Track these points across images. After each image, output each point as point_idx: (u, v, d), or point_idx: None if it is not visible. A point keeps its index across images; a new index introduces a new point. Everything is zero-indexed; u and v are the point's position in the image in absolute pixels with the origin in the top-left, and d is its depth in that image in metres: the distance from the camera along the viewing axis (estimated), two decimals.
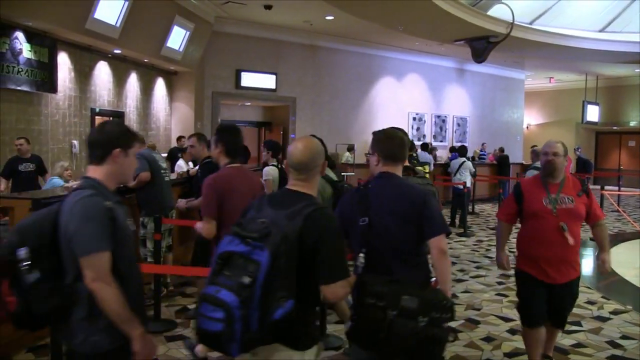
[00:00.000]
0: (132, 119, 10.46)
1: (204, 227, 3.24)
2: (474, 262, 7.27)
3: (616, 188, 13.88)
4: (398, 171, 2.59)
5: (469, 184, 10.05)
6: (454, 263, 7.01)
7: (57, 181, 6.04)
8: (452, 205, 10.38)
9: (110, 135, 2.06)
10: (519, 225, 3.54)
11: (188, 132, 11.31)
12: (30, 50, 7.37)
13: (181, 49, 10.46)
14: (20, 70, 7.23)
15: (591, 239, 7.01)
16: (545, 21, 12.35)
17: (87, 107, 9.08)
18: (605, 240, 3.50)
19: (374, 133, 2.71)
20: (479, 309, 5.18)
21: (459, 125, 17.36)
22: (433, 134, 16.69)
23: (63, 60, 8.34)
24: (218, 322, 1.79)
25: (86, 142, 2.13)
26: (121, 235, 1.97)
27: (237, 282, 1.81)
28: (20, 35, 7.18)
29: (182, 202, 5.10)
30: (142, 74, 10.73)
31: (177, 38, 10.19)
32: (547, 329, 3.50)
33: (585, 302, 5.32)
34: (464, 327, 4.71)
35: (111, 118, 10.09)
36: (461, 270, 6.71)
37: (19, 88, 7.27)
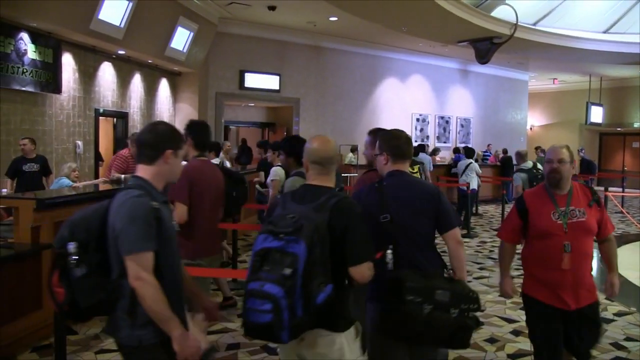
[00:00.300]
0: (136, 120, 10.49)
1: (176, 210, 3.39)
2: (478, 263, 7.26)
3: (620, 189, 13.84)
4: (406, 168, 2.75)
5: (474, 186, 10.03)
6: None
7: (66, 181, 6.03)
8: (458, 206, 10.38)
9: (163, 136, 2.11)
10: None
11: None
12: (34, 51, 7.40)
13: (185, 50, 10.48)
14: (25, 70, 7.25)
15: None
16: (549, 22, 12.33)
17: (91, 108, 9.11)
18: (614, 258, 3.05)
19: (381, 135, 2.84)
20: (482, 310, 5.17)
21: (462, 126, 17.34)
22: (437, 135, 16.68)
23: (67, 61, 8.36)
24: (267, 314, 1.96)
25: (136, 142, 2.18)
26: (166, 235, 2.03)
27: (279, 275, 1.97)
28: (25, 36, 7.21)
29: None
30: (146, 74, 10.76)
31: (181, 39, 10.22)
32: None
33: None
34: None
35: (115, 119, 10.13)
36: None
37: (23, 89, 7.30)
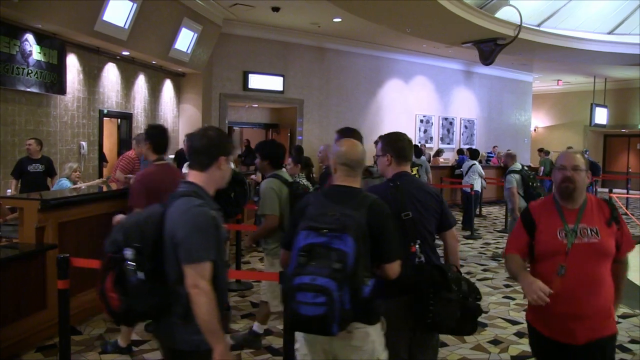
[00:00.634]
0: (140, 121, 10.51)
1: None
2: (481, 264, 7.25)
3: (624, 191, 13.80)
4: (408, 169, 2.90)
5: (477, 187, 10.02)
6: (460, 265, 6.98)
7: (65, 183, 6.05)
8: (462, 207, 10.37)
9: (216, 142, 2.12)
10: None
11: None
12: (39, 52, 7.43)
13: (189, 51, 10.51)
14: (30, 72, 7.29)
15: None
16: (554, 23, 12.30)
17: (96, 109, 9.14)
18: (622, 284, 2.60)
19: (383, 137, 2.98)
20: (486, 312, 5.16)
21: (466, 127, 17.32)
22: (440, 136, 16.66)
23: (72, 62, 8.40)
24: (321, 306, 2.05)
25: (188, 149, 2.17)
26: (220, 244, 2.06)
27: (330, 269, 2.07)
28: (30, 37, 7.25)
29: None
30: (150, 75, 10.79)
31: (185, 40, 10.24)
32: None
33: None
34: None
35: (119, 120, 10.16)
36: (468, 273, 6.68)
37: (28, 89, 7.33)
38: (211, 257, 1.96)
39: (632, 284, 6.15)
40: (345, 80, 14.28)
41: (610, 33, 13.29)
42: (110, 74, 9.50)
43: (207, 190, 2.10)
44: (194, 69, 11.21)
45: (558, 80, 19.58)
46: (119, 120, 10.21)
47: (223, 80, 12.32)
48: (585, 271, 2.39)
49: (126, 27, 8.38)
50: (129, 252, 1.93)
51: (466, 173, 10.17)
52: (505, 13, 10.97)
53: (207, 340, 1.96)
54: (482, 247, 8.50)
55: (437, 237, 2.90)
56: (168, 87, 11.54)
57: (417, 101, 15.91)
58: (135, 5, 8.28)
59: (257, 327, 4.24)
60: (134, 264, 1.93)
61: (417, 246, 2.67)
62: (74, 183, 6.08)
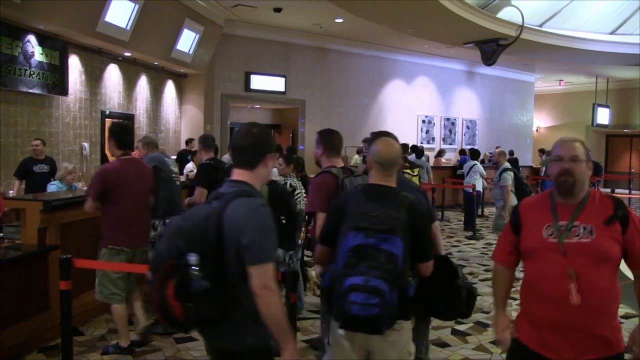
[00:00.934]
0: (142, 122, 10.53)
1: (86, 204, 3.92)
2: (483, 265, 7.24)
3: (627, 191, 13.77)
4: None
5: (479, 188, 10.01)
6: (463, 266, 6.98)
7: (56, 187, 5.66)
8: (464, 208, 10.36)
9: (262, 140, 2.11)
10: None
11: (198, 135, 11.38)
12: (42, 53, 7.45)
13: (191, 52, 10.52)
14: (32, 73, 7.30)
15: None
16: (556, 23, 12.28)
17: (98, 110, 9.15)
18: None
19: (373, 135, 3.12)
20: (487, 312, 5.15)
21: (468, 128, 17.31)
22: (442, 136, 16.65)
23: (74, 63, 8.41)
24: (375, 307, 2.11)
25: (234, 147, 2.13)
26: None
27: (382, 270, 2.13)
28: (32, 38, 7.26)
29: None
30: (152, 76, 10.80)
31: (187, 41, 10.25)
32: None
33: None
34: (473, 330, 4.70)
35: (121, 120, 10.17)
36: (470, 273, 6.68)
37: (30, 90, 7.34)
38: (274, 257, 1.96)
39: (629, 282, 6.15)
40: (347, 80, 14.28)
41: (612, 33, 13.26)
42: (112, 74, 9.51)
43: (257, 188, 2.09)
44: (195, 69, 11.22)
45: (560, 80, 19.56)
46: (121, 121, 10.21)
47: (225, 81, 12.33)
48: (584, 276, 2.06)
49: (128, 28, 8.39)
50: (193, 258, 1.85)
51: (467, 173, 10.15)
52: (507, 13, 10.96)
53: (260, 341, 1.98)
54: (484, 247, 8.49)
55: None
56: (170, 88, 11.55)
57: (419, 102, 15.91)
58: (137, 6, 8.30)
59: None
60: (199, 269, 1.84)
61: None
62: (69, 185, 5.77)
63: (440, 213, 11.35)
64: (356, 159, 13.41)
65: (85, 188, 6.19)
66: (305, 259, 5.49)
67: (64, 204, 4.43)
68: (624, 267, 2.37)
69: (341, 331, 2.35)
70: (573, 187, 2.13)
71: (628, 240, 2.10)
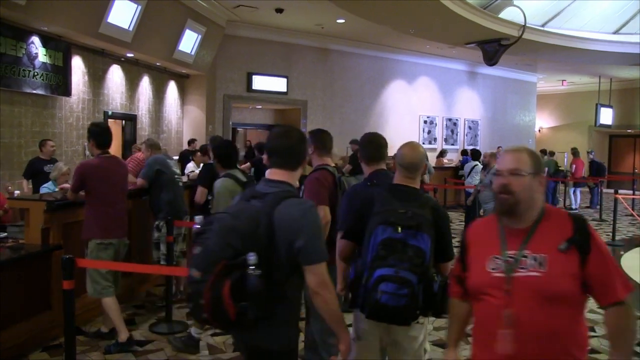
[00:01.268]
0: (144, 122, 10.55)
1: (67, 194, 4.24)
2: None
3: (630, 192, 13.73)
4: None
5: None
6: None
7: (49, 188, 5.48)
8: (465, 208, 10.33)
9: (301, 142, 2.16)
10: None
11: (199, 135, 11.45)
12: (45, 55, 7.48)
13: (193, 53, 10.54)
14: (35, 74, 7.33)
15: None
16: (558, 23, 12.27)
17: (100, 110, 9.17)
18: (621, 336, 1.84)
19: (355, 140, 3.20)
20: None
21: (470, 128, 17.29)
22: (444, 137, 16.64)
23: (77, 64, 8.44)
24: (404, 298, 2.19)
25: (273, 149, 2.14)
26: None
27: (410, 262, 2.20)
28: (36, 39, 7.29)
29: None
30: (155, 77, 10.83)
31: (189, 42, 10.27)
32: None
33: (598, 308, 5.26)
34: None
35: (124, 121, 10.20)
36: None
37: (34, 91, 7.37)
38: (327, 256, 2.01)
39: (638, 286, 6.13)
40: (349, 81, 14.28)
41: (615, 33, 13.24)
42: (115, 75, 9.54)
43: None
44: (198, 70, 11.25)
45: (563, 80, 19.52)
46: (124, 121, 10.25)
47: (227, 82, 12.35)
48: (531, 319, 1.69)
49: (130, 29, 8.42)
50: (252, 258, 1.83)
51: (469, 174, 10.14)
52: (509, 13, 10.95)
53: (292, 340, 2.06)
54: None
55: None
56: (172, 88, 11.58)
57: (421, 102, 15.90)
58: (139, 7, 8.32)
59: (194, 331, 4.20)
60: (257, 269, 1.83)
61: None
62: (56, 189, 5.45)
63: None
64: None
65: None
66: None
67: (67, 204, 4.45)
68: (630, 270, 2.09)
69: (365, 325, 2.44)
70: (515, 207, 1.75)
71: (589, 271, 1.70)
